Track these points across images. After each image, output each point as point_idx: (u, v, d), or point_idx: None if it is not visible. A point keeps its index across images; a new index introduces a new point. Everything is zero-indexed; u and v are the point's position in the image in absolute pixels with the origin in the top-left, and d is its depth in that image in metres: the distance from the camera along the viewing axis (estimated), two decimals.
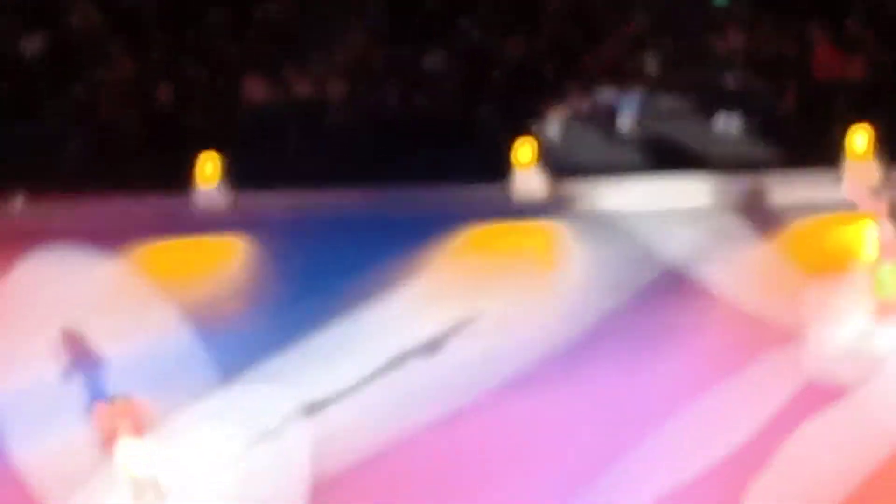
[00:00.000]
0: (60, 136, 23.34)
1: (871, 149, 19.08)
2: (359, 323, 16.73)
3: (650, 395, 14.56)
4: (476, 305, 16.75)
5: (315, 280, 18.02)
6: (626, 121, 21.68)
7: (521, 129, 21.05)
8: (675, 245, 17.92)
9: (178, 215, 20.61)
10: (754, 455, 13.28)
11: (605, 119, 22.06)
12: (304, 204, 20.39)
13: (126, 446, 13.03)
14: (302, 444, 14.19)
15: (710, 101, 21.65)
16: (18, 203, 21.15)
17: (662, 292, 16.78)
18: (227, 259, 19.08)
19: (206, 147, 21.36)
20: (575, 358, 15.48)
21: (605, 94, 22.27)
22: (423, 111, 22.78)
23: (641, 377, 14.95)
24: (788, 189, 19.14)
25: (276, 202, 20.57)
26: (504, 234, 19.13)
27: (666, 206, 19.09)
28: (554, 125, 22.02)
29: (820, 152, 19.83)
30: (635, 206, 18.95)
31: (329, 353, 15.98)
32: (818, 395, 14.15)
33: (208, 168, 20.87)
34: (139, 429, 13.05)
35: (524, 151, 19.95)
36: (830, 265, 16.64)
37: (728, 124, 21.32)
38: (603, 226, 18.73)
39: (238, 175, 21.07)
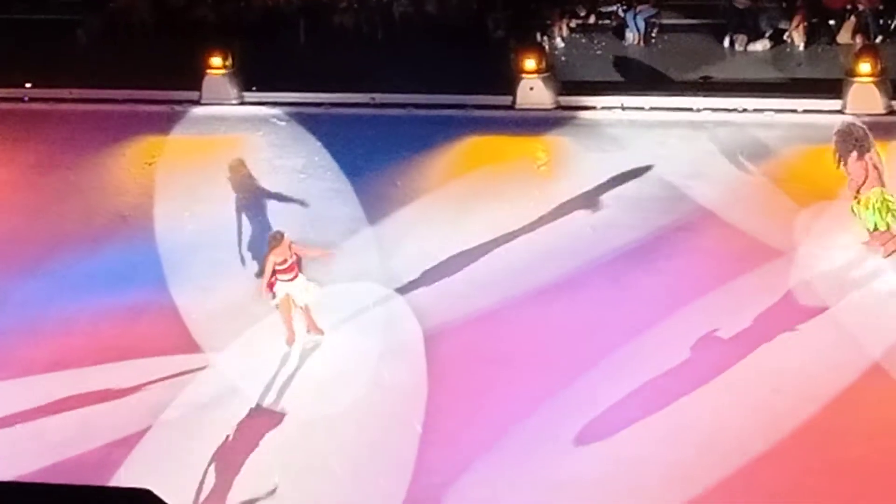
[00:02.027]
0: (72, 23, 23.39)
1: (876, 74, 19.09)
2: (356, 225, 16.92)
3: (639, 304, 14.82)
4: (473, 212, 16.91)
5: (315, 178, 18.18)
6: (632, 35, 21.70)
7: (528, 40, 21.06)
8: (676, 160, 18.00)
9: (184, 109, 20.67)
10: (730, 360, 13.66)
11: (612, 33, 22.09)
12: (309, 103, 20.43)
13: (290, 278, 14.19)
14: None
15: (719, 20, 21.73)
16: (28, 89, 21.21)
17: (660, 205, 16.93)
18: (231, 155, 19.15)
19: (215, 41, 21.29)
20: (570, 267, 15.66)
21: (614, 8, 22.29)
22: (430, 18, 22.77)
23: (633, 286, 15.18)
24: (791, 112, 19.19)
25: (282, 100, 20.60)
26: (506, 143, 19.20)
27: (668, 121, 19.12)
28: (560, 37, 22.07)
29: (826, 75, 19.97)
30: (638, 120, 19.00)
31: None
32: (798, 311, 14.46)
33: (216, 62, 20.77)
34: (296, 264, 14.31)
35: (530, 61, 19.92)
36: (819, 191, 16.80)
37: (735, 44, 21.34)
38: (604, 138, 18.79)
39: (245, 71, 21.05)
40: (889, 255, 15.33)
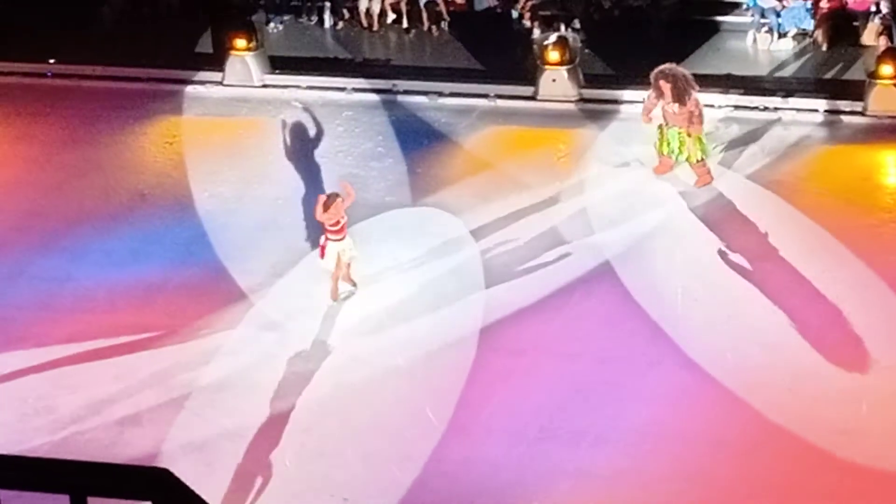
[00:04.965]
0: (97, 0, 23.41)
1: None
2: (376, 211, 16.92)
3: (658, 298, 14.89)
4: (493, 202, 16.92)
5: (335, 163, 18.18)
6: (656, 29, 21.65)
7: (552, 31, 21.03)
8: None
9: (207, 89, 20.66)
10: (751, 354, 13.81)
11: (635, 25, 22.03)
12: (331, 88, 20.40)
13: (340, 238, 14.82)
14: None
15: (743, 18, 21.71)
16: (51, 65, 21.23)
17: (680, 200, 16.92)
18: (251, 137, 19.18)
19: (240, 22, 21.25)
20: (590, 260, 15.67)
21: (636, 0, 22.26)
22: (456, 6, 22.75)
23: (653, 279, 15.22)
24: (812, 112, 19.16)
25: (304, 84, 20.57)
26: (527, 134, 19.16)
27: None
28: (585, 29, 22.02)
29: (848, 76, 19.99)
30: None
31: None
32: None
33: (240, 43, 20.73)
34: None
35: (553, 53, 19.88)
36: (838, 189, 16.91)
37: (758, 42, 21.32)
38: (626, 131, 18.74)
39: (269, 53, 21.04)
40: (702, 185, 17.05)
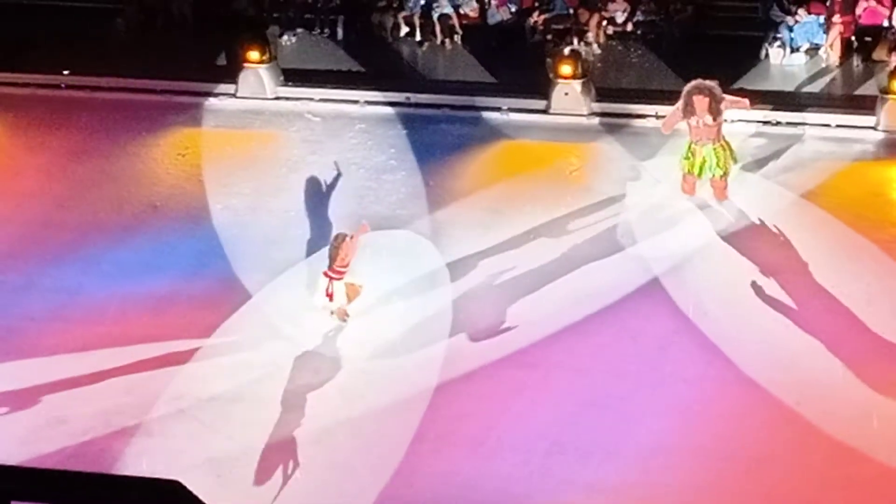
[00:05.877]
0: (112, 12, 23.50)
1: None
2: (388, 224, 16.94)
3: (670, 315, 14.90)
4: (506, 216, 16.93)
5: (348, 176, 18.20)
6: (668, 43, 21.71)
7: (565, 45, 21.08)
8: None
9: (220, 101, 20.72)
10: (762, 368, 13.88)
11: (647, 39, 22.09)
12: (344, 100, 20.45)
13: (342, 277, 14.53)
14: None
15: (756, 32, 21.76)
16: (66, 76, 21.29)
17: (692, 217, 16.91)
18: (264, 149, 19.23)
19: (253, 34, 21.33)
20: (602, 276, 15.66)
21: (649, 15, 22.30)
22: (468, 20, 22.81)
23: (664, 297, 15.24)
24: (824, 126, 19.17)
25: (317, 96, 20.63)
26: (539, 148, 19.17)
27: None
28: (597, 43, 22.08)
29: (860, 91, 19.99)
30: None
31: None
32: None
33: (253, 55, 20.80)
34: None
35: (566, 67, 19.91)
36: (850, 204, 16.95)
37: (770, 56, 21.36)
38: (638, 146, 18.76)
39: (282, 66, 21.10)
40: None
